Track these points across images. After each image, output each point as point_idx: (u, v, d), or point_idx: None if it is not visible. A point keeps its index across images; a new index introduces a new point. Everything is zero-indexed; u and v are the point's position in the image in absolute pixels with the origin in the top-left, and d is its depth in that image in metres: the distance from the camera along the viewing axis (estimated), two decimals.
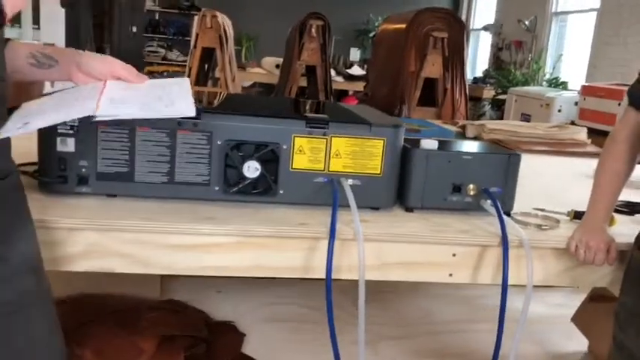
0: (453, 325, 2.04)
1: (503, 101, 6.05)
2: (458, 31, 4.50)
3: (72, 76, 1.03)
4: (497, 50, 7.74)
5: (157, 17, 8.95)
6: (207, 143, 1.21)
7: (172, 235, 1.13)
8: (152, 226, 1.12)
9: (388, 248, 1.21)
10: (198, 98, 1.53)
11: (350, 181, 1.25)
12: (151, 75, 8.41)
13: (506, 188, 1.32)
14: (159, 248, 1.13)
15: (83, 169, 1.19)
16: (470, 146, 1.47)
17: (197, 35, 4.37)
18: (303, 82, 5.19)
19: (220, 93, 2.30)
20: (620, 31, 5.43)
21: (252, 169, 1.22)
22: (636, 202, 1.47)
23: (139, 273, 1.17)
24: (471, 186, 1.31)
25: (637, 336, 1.08)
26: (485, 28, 8.00)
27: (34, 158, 1.22)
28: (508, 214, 1.30)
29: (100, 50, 8.31)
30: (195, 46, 4.43)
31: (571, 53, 6.65)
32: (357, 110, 1.52)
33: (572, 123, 4.53)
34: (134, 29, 8.87)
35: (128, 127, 1.18)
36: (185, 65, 8.73)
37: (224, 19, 4.54)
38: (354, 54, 9.08)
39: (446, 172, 1.30)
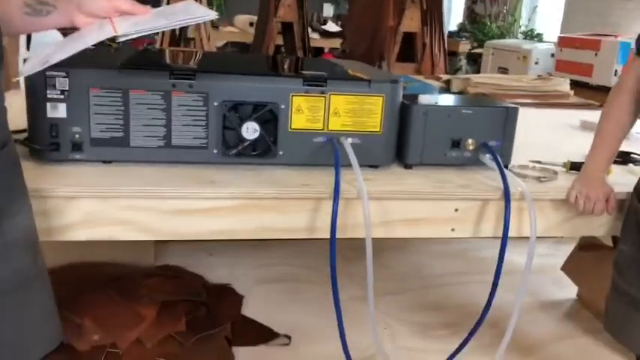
0: (447, 278, 2.07)
1: (480, 55, 6.03)
2: None
3: (73, 19, 0.93)
4: (471, 3, 7.67)
5: None
6: (204, 105, 1.18)
7: (173, 200, 1.11)
8: (152, 191, 1.10)
9: (391, 206, 1.20)
10: (185, 59, 1.49)
11: (350, 140, 1.23)
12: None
13: (505, 142, 1.32)
14: (160, 214, 1.11)
15: (76, 135, 1.15)
16: (466, 100, 1.46)
17: None
18: (279, 40, 5.09)
19: (201, 52, 2.22)
20: None
21: (250, 130, 1.19)
22: (629, 152, 1.49)
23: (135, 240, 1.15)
24: (470, 140, 1.31)
25: (636, 280, 1.10)
26: None
27: (23, 125, 1.18)
28: (507, 167, 1.31)
29: None
30: (168, 3, 4.27)
31: (545, 4, 6.62)
32: (350, 66, 1.49)
33: (549, 74, 4.56)
34: None
35: (120, 89, 1.14)
36: None
37: None
38: (328, 9, 8.90)
39: (445, 127, 1.29)
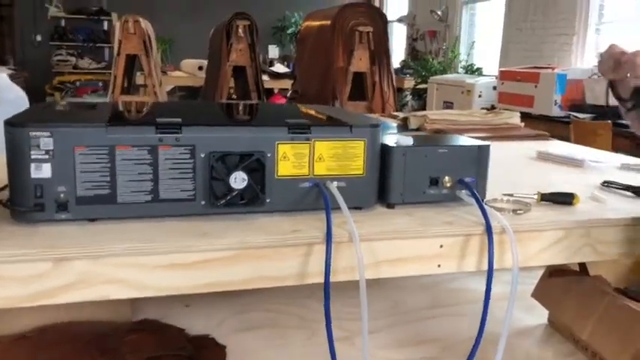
0: (421, 312, 2.10)
1: (424, 90, 6.27)
2: (381, 24, 4.62)
3: None
4: (412, 41, 7.99)
5: (62, 24, 8.50)
6: (191, 157, 1.18)
7: (167, 254, 1.10)
8: (145, 247, 1.09)
9: (379, 246, 1.23)
10: (168, 111, 1.49)
11: (335, 184, 1.26)
12: (63, 84, 8.00)
13: (479, 177, 1.38)
14: (154, 269, 1.10)
15: (61, 195, 1.13)
16: (440, 140, 1.52)
17: (120, 42, 4.20)
18: (231, 83, 5.14)
19: (184, 103, 2.23)
20: (528, 16, 5.75)
21: (239, 179, 1.21)
22: (567, 193, 1.52)
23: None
24: (447, 178, 1.36)
25: None
26: (400, 20, 8.23)
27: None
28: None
29: (1, 62, 7.80)
30: (118, 54, 4.26)
31: (482, 40, 6.97)
32: (327, 111, 1.53)
33: (492, 107, 4.77)
34: (39, 37, 8.42)
35: (107, 147, 1.13)
36: (97, 73, 8.39)
37: (147, 24, 4.40)
38: (273, 51, 9.06)
39: (423, 166, 1.35)
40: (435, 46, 7.29)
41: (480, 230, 1.27)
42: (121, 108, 1.44)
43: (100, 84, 8.26)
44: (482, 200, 1.38)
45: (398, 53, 8.96)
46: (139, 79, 5.30)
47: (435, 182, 1.36)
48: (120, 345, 1.46)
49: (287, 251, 1.17)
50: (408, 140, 1.37)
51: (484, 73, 6.36)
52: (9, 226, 1.12)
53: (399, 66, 8.01)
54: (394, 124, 3.08)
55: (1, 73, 1.79)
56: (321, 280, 1.15)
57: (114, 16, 8.20)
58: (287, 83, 6.38)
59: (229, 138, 1.19)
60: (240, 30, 4.27)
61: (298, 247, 1.17)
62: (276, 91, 6.67)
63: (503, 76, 4.84)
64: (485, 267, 1.26)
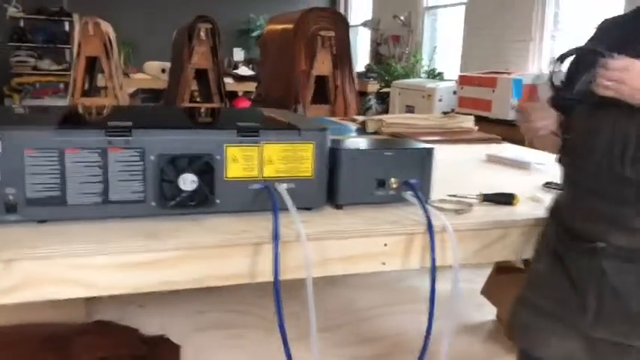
0: (374, 310, 2.16)
1: (388, 94, 6.35)
2: (343, 29, 4.68)
3: None
4: (376, 45, 8.08)
5: (22, 24, 8.33)
6: (140, 159, 1.21)
7: (116, 255, 1.12)
8: (94, 248, 1.11)
9: (327, 245, 1.28)
10: (118, 114, 1.51)
11: (285, 185, 1.30)
12: (22, 86, 7.82)
13: (423, 179, 1.44)
14: (103, 269, 1.12)
15: (10, 197, 1.14)
16: (387, 143, 1.58)
17: (79, 44, 4.16)
18: (194, 86, 5.13)
19: (134, 106, 2.23)
20: (487, 22, 5.90)
21: (188, 181, 1.24)
22: (508, 193, 1.59)
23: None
24: (393, 180, 1.42)
25: (551, 294, 1.23)
26: (364, 24, 8.32)
27: None
28: (426, 202, 1.42)
29: None
30: (78, 55, 4.21)
31: (444, 45, 7.10)
32: (278, 115, 1.57)
33: (452, 111, 4.88)
34: None
35: (56, 149, 1.15)
36: (58, 74, 8.24)
37: (107, 26, 4.37)
38: (238, 54, 9.05)
39: (370, 169, 1.40)
40: (398, 50, 7.40)
41: (422, 229, 1.32)
42: (73, 111, 1.46)
43: (61, 86, 8.12)
44: (427, 201, 1.44)
45: (363, 57, 9.06)
46: (101, 81, 5.24)
47: (382, 184, 1.41)
48: (74, 345, 1.47)
49: (235, 251, 1.20)
50: (356, 143, 1.42)
51: (446, 77, 6.48)
52: None
53: (363, 70, 8.09)
54: (353, 127, 3.14)
55: None
56: (271, 278, 1.19)
57: (75, 17, 8.06)
58: (251, 86, 6.38)
59: (179, 140, 1.22)
60: (202, 33, 4.27)
61: (246, 247, 1.21)
62: (240, 93, 6.67)
63: (463, 80, 4.95)
64: (429, 264, 1.32)
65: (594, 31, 1.30)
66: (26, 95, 7.71)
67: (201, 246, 1.17)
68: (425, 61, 7.02)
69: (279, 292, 1.18)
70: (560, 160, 1.28)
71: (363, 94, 7.16)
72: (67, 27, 8.47)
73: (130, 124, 1.20)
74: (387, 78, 6.62)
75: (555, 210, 1.29)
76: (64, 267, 1.10)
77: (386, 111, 6.44)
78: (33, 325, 1.57)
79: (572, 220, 1.20)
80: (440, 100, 5.20)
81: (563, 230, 1.22)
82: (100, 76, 5.09)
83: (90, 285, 1.13)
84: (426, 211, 1.32)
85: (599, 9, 4.92)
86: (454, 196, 1.53)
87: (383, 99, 6.79)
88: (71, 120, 1.32)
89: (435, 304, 1.31)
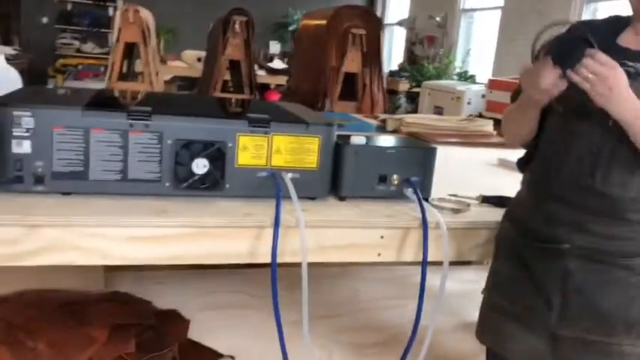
0: (380, 302, 2.24)
1: (418, 94, 6.39)
2: (375, 27, 4.74)
3: None
4: (410, 45, 8.10)
5: (69, 8, 8.62)
6: (158, 143, 1.31)
7: (129, 228, 1.23)
8: (110, 220, 1.22)
9: (325, 233, 1.36)
10: (141, 100, 1.62)
11: (290, 175, 1.39)
12: (65, 67, 8.10)
13: (425, 177, 1.51)
14: (117, 241, 1.23)
15: (39, 169, 1.26)
16: (392, 141, 1.65)
17: (119, 30, 4.33)
18: (227, 76, 5.26)
19: (157, 93, 2.36)
20: (522, 27, 5.87)
21: (200, 165, 1.34)
22: (506, 197, 1.65)
23: (86, 267, 1.26)
24: (395, 176, 1.49)
25: (510, 295, 1.29)
26: (400, 24, 8.35)
27: None
28: (427, 200, 1.49)
29: (7, 42, 7.93)
30: (117, 41, 4.39)
31: (479, 48, 7.09)
32: (291, 109, 1.66)
33: (480, 115, 4.90)
34: (44, 20, 8.55)
35: (82, 128, 1.26)
36: (100, 58, 8.51)
37: (147, 15, 4.53)
38: (274, 47, 9.18)
39: (373, 164, 1.47)
40: (432, 51, 7.41)
41: (418, 224, 1.39)
42: (102, 94, 1.57)
43: (102, 69, 8.37)
44: (427, 199, 1.51)
45: (397, 56, 9.09)
46: (138, 66, 5.42)
47: (383, 179, 1.49)
48: (89, 311, 1.59)
49: (239, 232, 1.30)
50: (361, 140, 1.50)
51: (477, 80, 6.48)
52: None
53: (396, 68, 8.14)
54: (374, 124, 3.22)
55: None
56: (270, 260, 1.28)
57: (119, 2, 8.32)
58: (283, 79, 6.50)
59: (194, 128, 1.32)
60: (236, 25, 4.40)
61: (249, 230, 1.30)
62: (272, 86, 6.80)
63: (492, 85, 4.97)
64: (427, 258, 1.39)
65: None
66: (69, 77, 7.99)
67: (207, 225, 1.27)
68: (458, 63, 7.02)
69: (275, 272, 1.26)
70: (520, 165, 1.34)
71: (393, 92, 7.21)
72: (110, 12, 8.73)
73: (149, 109, 1.31)
74: (418, 78, 6.66)
75: (515, 213, 1.34)
76: (82, 236, 1.21)
77: (415, 110, 6.48)
78: (53, 290, 1.70)
79: (535, 223, 1.25)
80: (469, 103, 5.23)
81: (525, 233, 1.27)
82: (137, 61, 5.27)
83: (105, 254, 1.24)
84: (421, 207, 1.40)
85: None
86: (455, 195, 1.60)
87: (413, 98, 6.84)
88: (98, 102, 1.43)
89: (446, 300, 1.37)
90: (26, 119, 1.23)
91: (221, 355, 1.71)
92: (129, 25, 4.22)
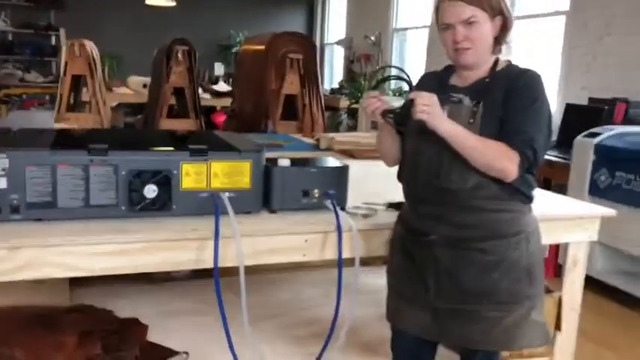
0: (317, 300, 2.54)
1: (357, 110, 6.76)
2: (311, 52, 5.08)
3: None
4: (349, 63, 8.51)
5: (10, 38, 8.66)
6: (114, 173, 1.58)
7: (93, 245, 1.49)
8: (77, 239, 1.48)
9: (259, 240, 1.66)
10: (98, 137, 1.88)
11: (227, 194, 1.68)
12: (9, 97, 8.12)
13: (340, 190, 1.83)
14: (85, 256, 1.49)
15: (14, 201, 1.51)
16: (314, 161, 1.97)
17: (66, 64, 4.52)
18: (172, 101, 5.50)
19: (111, 130, 2.55)
20: None
21: (150, 191, 1.61)
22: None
23: (53, 285, 1.51)
24: (316, 191, 1.80)
25: (405, 280, 1.63)
26: (338, 43, 8.75)
27: None
28: (343, 209, 1.81)
29: None
30: (64, 74, 4.57)
31: (412, 65, 7.55)
32: (226, 137, 1.95)
33: None
34: None
35: (50, 165, 1.52)
36: (44, 86, 8.57)
37: (92, 47, 4.73)
38: (219, 68, 9.42)
39: (297, 182, 1.78)
40: (369, 68, 7.83)
41: (334, 229, 1.71)
42: (62, 134, 1.83)
43: (47, 97, 8.44)
44: (344, 207, 1.83)
45: (338, 73, 9.50)
46: (85, 95, 5.59)
47: (306, 194, 1.80)
48: (60, 321, 1.83)
49: (186, 244, 1.58)
50: (286, 162, 1.80)
51: None
52: None
53: (337, 86, 8.53)
54: (310, 143, 3.55)
55: None
56: (212, 265, 1.57)
57: (62, 31, 8.42)
58: (228, 101, 6.76)
59: (144, 160, 1.60)
60: (179, 54, 4.65)
61: (195, 241, 1.59)
62: (218, 108, 7.05)
63: None
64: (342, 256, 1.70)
65: (418, 80, 1.75)
66: (13, 106, 8.01)
67: (159, 239, 1.55)
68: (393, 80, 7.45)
69: (217, 278, 1.55)
70: (398, 178, 1.70)
71: (335, 109, 7.58)
72: (53, 41, 8.80)
73: (106, 146, 1.58)
74: (357, 95, 7.05)
75: (401, 215, 1.70)
76: (54, 254, 1.46)
77: (355, 125, 6.86)
78: (25, 306, 1.92)
79: (411, 221, 1.62)
80: None
81: (407, 230, 1.63)
82: (84, 89, 5.45)
83: (74, 268, 1.50)
84: (337, 215, 1.71)
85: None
86: (367, 203, 1.93)
87: (354, 114, 7.21)
88: (62, 142, 1.68)
89: (355, 291, 1.68)
90: (2, 160, 1.48)
91: (177, 352, 1.97)
92: (75, 59, 4.42)
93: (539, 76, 1.56)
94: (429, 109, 1.43)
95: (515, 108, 1.50)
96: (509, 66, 1.61)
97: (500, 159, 1.47)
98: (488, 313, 1.52)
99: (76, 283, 2.20)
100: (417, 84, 1.77)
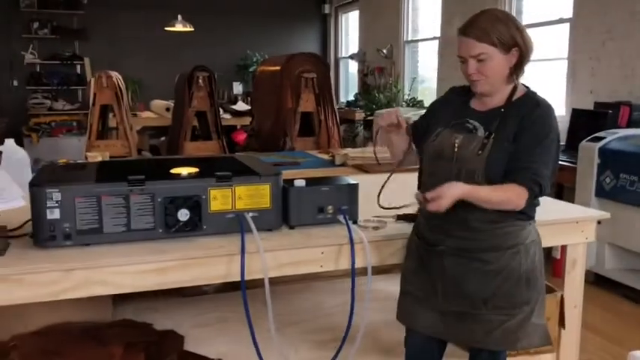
0: (337, 308, 2.72)
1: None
2: (324, 71, 5.31)
3: None
4: (363, 76, 8.71)
5: (38, 69, 9.06)
6: (151, 201, 1.80)
7: (135, 265, 1.71)
8: (121, 260, 1.70)
9: (281, 254, 1.85)
10: (136, 168, 2.10)
11: (250, 214, 1.88)
12: (38, 125, 8.48)
13: (351, 206, 2.02)
14: (129, 275, 1.70)
15: (67, 229, 1.73)
16: (328, 180, 2.16)
17: (95, 95, 4.82)
18: (195, 122, 5.77)
19: (146, 160, 2.77)
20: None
21: (183, 214, 1.82)
22: (414, 214, 2.14)
23: (97, 302, 1.71)
24: (330, 207, 2.00)
25: (418, 284, 1.80)
26: (351, 57, 8.97)
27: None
28: (355, 222, 2.00)
29: None
30: (93, 105, 4.86)
31: (425, 75, 7.73)
32: (247, 161, 2.16)
33: None
34: (15, 83, 8.96)
35: (96, 196, 1.74)
36: (71, 113, 8.95)
37: (118, 77, 5.02)
38: (237, 88, 9.72)
39: (312, 199, 1.98)
40: (382, 80, 8.03)
41: (348, 241, 1.90)
42: (104, 167, 2.05)
43: (74, 124, 8.81)
44: (355, 221, 2.02)
45: (353, 86, 9.72)
46: (112, 121, 5.88)
47: (321, 210, 1.99)
48: (105, 334, 2.05)
49: (216, 260, 1.79)
50: (302, 182, 2.00)
51: (426, 105, 7.09)
52: (32, 250, 1.72)
53: (352, 99, 8.74)
54: (326, 158, 3.75)
55: (8, 140, 2.40)
56: (239, 278, 1.77)
57: (86, 60, 8.79)
58: (247, 120, 7.02)
59: (177, 187, 1.82)
60: (200, 80, 4.91)
61: (223, 257, 1.79)
62: (238, 127, 7.32)
63: None
64: (356, 265, 1.89)
65: (446, 92, 1.91)
66: (43, 134, 8.38)
67: (192, 257, 1.75)
68: (407, 90, 7.64)
69: (244, 289, 1.75)
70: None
71: (351, 121, 7.79)
72: (78, 70, 9.18)
73: (143, 177, 1.80)
74: (372, 107, 7.24)
75: (416, 225, 1.88)
76: (102, 274, 1.68)
77: (371, 137, 7.05)
78: (75, 323, 2.15)
79: (424, 232, 1.80)
80: None
81: (421, 239, 1.81)
82: (110, 115, 5.74)
83: (120, 286, 1.71)
84: (349, 228, 1.91)
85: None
86: (377, 216, 2.12)
87: (369, 126, 7.40)
88: (104, 175, 1.90)
89: (368, 297, 1.87)
90: (55, 194, 1.71)
91: (211, 359, 2.17)
92: (103, 90, 4.71)
93: (549, 108, 1.68)
94: (439, 205, 1.58)
95: (525, 145, 1.63)
96: (525, 95, 1.72)
97: (510, 201, 1.62)
98: (490, 317, 1.69)
99: (117, 300, 2.43)
100: (444, 96, 1.91)
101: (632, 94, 4.26)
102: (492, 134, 1.66)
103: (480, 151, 1.65)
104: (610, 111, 4.01)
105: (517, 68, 1.69)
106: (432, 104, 1.99)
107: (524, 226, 1.72)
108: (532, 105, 1.68)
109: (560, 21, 5.29)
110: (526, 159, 1.62)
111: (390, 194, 2.08)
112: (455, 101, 1.82)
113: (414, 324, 1.83)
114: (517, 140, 1.64)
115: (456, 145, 1.68)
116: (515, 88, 1.72)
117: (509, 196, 1.62)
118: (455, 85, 1.91)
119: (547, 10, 5.58)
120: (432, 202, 1.59)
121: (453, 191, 1.59)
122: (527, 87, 1.76)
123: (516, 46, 1.65)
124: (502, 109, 1.70)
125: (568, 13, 5.16)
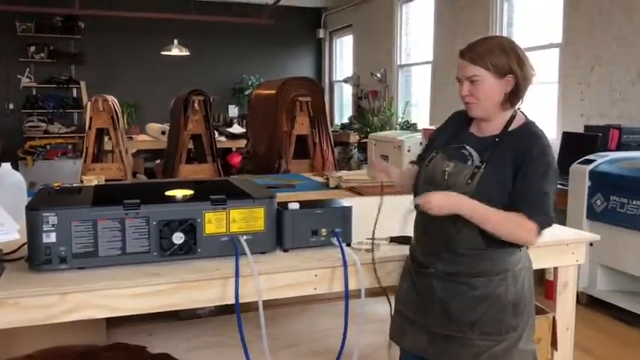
0: (330, 330, 2.72)
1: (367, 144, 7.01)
2: (318, 94, 5.38)
3: None
4: (357, 99, 8.81)
5: (34, 93, 9.11)
6: (147, 224, 1.82)
7: (131, 288, 1.72)
8: (117, 284, 1.71)
9: (275, 277, 1.87)
10: (131, 191, 2.12)
11: (245, 237, 1.90)
12: (34, 148, 8.49)
13: (345, 228, 2.04)
14: (122, 298, 1.71)
15: (62, 252, 1.75)
16: (321, 203, 2.19)
17: (91, 118, 4.85)
18: (191, 145, 5.81)
19: (140, 183, 2.81)
20: (450, 79, 6.61)
21: (178, 237, 1.84)
22: (407, 236, 2.16)
23: (91, 326, 1.72)
24: (323, 230, 2.02)
25: (411, 305, 1.82)
26: (345, 80, 9.07)
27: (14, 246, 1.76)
28: (349, 244, 2.03)
29: None
30: (89, 128, 4.90)
31: (418, 99, 7.82)
32: (241, 185, 2.19)
33: None
34: (11, 106, 9.01)
35: (91, 220, 1.76)
36: (66, 136, 8.97)
37: (114, 101, 5.07)
38: (233, 110, 9.80)
39: (306, 222, 2.00)
40: (376, 104, 8.11)
41: (341, 264, 1.92)
42: (99, 191, 2.08)
43: (70, 147, 8.84)
44: (349, 244, 2.04)
45: (347, 109, 9.81)
46: (107, 144, 5.92)
47: (315, 233, 2.01)
48: (100, 357, 2.05)
49: (210, 283, 1.80)
50: (295, 205, 2.03)
51: (419, 128, 7.15)
52: (28, 273, 1.73)
53: (347, 122, 8.82)
54: (320, 181, 3.78)
55: (5, 164, 2.42)
56: (233, 301, 1.78)
57: (82, 84, 8.86)
58: (243, 142, 7.07)
59: (172, 211, 1.84)
60: (195, 104, 4.96)
61: (218, 280, 1.81)
62: (233, 149, 7.36)
63: (426, 133, 5.61)
64: (349, 288, 1.91)
65: (450, 116, 1.94)
66: (38, 157, 8.39)
67: (187, 280, 1.77)
68: (400, 114, 7.72)
69: (239, 311, 1.76)
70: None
71: (345, 144, 7.85)
72: (75, 93, 9.24)
73: (138, 201, 1.82)
74: (365, 130, 7.31)
75: (410, 248, 1.91)
76: (97, 297, 1.69)
77: (365, 159, 7.10)
78: (69, 346, 2.15)
79: (416, 254, 1.83)
80: (408, 151, 5.85)
81: (413, 261, 1.84)
82: (106, 138, 5.77)
83: (116, 309, 1.72)
84: (342, 251, 1.93)
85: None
86: (370, 239, 2.14)
87: (364, 149, 7.46)
88: (100, 199, 1.92)
89: (362, 318, 1.88)
90: (52, 218, 1.73)
91: None
92: (99, 113, 4.75)
93: (546, 139, 1.68)
94: (427, 202, 1.64)
95: (529, 181, 1.62)
96: (523, 126, 1.70)
97: (520, 233, 1.62)
98: (477, 342, 1.70)
99: (111, 323, 2.43)
100: (445, 121, 1.93)
101: (621, 118, 4.34)
102: (484, 164, 1.67)
103: (470, 180, 1.67)
104: (600, 134, 4.07)
105: (513, 96, 1.68)
106: (432, 134, 2.02)
107: (513, 252, 1.72)
108: (529, 137, 1.67)
109: (550, 46, 5.39)
110: (533, 195, 1.61)
111: (383, 218, 2.10)
112: (454, 125, 1.85)
113: (404, 344, 1.85)
114: (518, 174, 1.63)
115: (447, 172, 1.71)
116: (513, 117, 1.72)
117: (519, 225, 1.60)
118: (459, 110, 1.91)
119: (537, 36, 5.69)
120: (423, 202, 1.66)
121: (445, 197, 1.64)
122: (526, 116, 1.75)
123: (511, 73, 1.65)
124: (496, 139, 1.70)
125: (558, 38, 5.26)
